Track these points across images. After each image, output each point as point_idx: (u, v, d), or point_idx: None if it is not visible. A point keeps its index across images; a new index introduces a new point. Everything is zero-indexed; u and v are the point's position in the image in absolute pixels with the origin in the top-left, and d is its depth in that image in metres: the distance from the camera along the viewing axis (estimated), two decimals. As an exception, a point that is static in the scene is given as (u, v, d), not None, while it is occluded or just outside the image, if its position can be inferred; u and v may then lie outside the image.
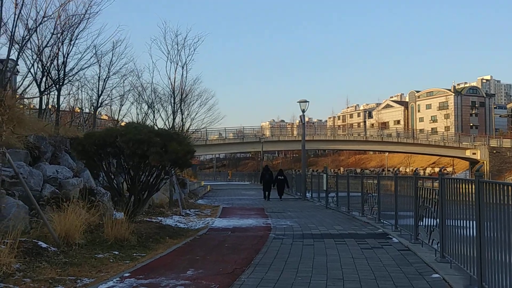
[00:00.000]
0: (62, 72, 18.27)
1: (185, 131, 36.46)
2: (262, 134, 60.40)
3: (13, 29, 14.93)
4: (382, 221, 12.64)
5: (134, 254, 8.38)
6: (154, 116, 22.81)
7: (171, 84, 15.24)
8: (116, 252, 8.36)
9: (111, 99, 24.27)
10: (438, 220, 7.60)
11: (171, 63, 15.41)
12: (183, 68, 15.59)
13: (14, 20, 14.60)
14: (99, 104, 22.76)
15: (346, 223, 13.29)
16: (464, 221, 6.43)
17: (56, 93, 19.07)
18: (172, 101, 16.17)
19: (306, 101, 24.45)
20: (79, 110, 25.42)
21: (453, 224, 6.92)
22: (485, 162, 62.68)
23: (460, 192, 6.74)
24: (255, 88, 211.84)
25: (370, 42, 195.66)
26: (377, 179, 13.28)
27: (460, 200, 6.69)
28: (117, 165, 10.67)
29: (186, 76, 15.70)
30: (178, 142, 9.94)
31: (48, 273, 6.38)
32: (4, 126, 6.83)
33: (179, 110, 17.95)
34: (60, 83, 18.10)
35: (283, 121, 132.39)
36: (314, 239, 10.18)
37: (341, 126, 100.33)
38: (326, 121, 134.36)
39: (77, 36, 18.60)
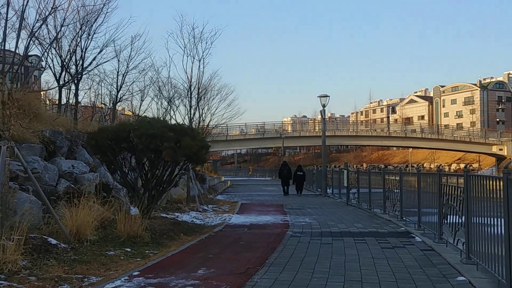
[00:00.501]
0: (80, 66, 18.27)
1: (204, 126, 36.56)
2: (283, 130, 60.02)
3: (34, 24, 14.96)
4: (404, 219, 12.20)
5: (147, 251, 8.17)
6: (173, 111, 22.67)
7: (188, 78, 15.00)
8: (128, 249, 8.17)
9: (132, 93, 24.24)
10: (463, 218, 7.18)
11: (187, 57, 15.17)
12: (200, 62, 15.30)
13: (35, 16, 14.64)
14: (118, 99, 22.77)
15: (367, 221, 12.88)
16: (492, 220, 6.02)
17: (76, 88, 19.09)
18: (189, 95, 15.89)
19: (326, 96, 23.97)
20: (101, 106, 25.47)
21: (480, 222, 6.50)
22: (511, 158, 61.15)
23: (487, 189, 6.31)
24: (277, 83, 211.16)
25: (393, 36, 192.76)
26: (399, 175, 12.82)
27: (487, 198, 6.26)
28: (132, 160, 10.48)
29: (203, 71, 15.43)
30: (192, 137, 9.69)
31: (55, 271, 6.20)
32: (12, 120, 6.65)
33: (197, 105, 17.51)
34: (78, 78, 18.10)
35: (305, 116, 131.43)
36: (333, 237, 9.83)
37: (363, 121, 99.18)
38: (348, 116, 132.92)
39: (95, 30, 18.60)
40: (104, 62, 20.50)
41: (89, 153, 13.30)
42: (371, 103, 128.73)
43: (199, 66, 15.23)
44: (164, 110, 24.34)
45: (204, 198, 20.51)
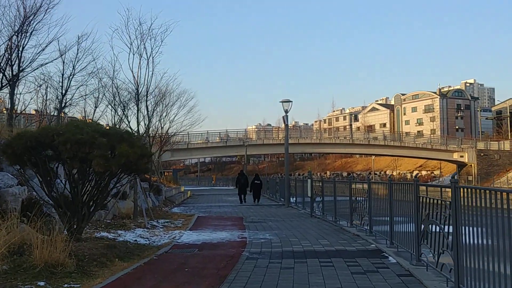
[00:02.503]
0: (17, 67, 16.42)
1: (163, 133, 34.76)
2: (247, 138, 58.66)
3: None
4: (374, 233, 11.01)
5: (65, 286, 6.58)
6: (127, 119, 20.75)
7: (135, 79, 13.41)
8: (42, 283, 6.56)
9: (84, 97, 22.35)
10: (450, 239, 5.97)
11: (133, 55, 13.55)
12: (148, 60, 13.74)
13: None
14: (64, 104, 20.89)
15: (333, 236, 11.62)
16: (490, 240, 4.83)
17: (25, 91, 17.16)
18: (137, 98, 14.28)
19: (289, 101, 22.79)
20: (50, 112, 23.40)
21: (474, 243, 5.29)
22: (473, 165, 61.78)
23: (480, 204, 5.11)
24: (240, 92, 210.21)
25: (355, 46, 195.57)
26: (368, 185, 11.60)
27: (481, 215, 5.06)
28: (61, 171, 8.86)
29: (152, 70, 13.84)
30: (130, 144, 8.18)
31: None
32: None
33: (146, 110, 15.89)
34: (14, 80, 16.23)
35: (269, 124, 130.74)
36: (295, 259, 8.47)
37: (327, 129, 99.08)
38: (312, 125, 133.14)
39: (34, 27, 16.80)
40: (46, 63, 18.70)
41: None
42: (334, 111, 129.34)
43: (148, 65, 13.64)
44: (118, 117, 22.53)
45: (158, 211, 18.87)
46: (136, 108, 14.88)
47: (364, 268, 7.54)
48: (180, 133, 42.82)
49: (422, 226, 7.23)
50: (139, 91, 13.84)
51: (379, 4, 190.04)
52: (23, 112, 24.72)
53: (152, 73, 13.97)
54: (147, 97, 15.25)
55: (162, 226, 13.77)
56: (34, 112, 28.27)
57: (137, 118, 14.14)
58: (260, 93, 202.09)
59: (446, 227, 6.18)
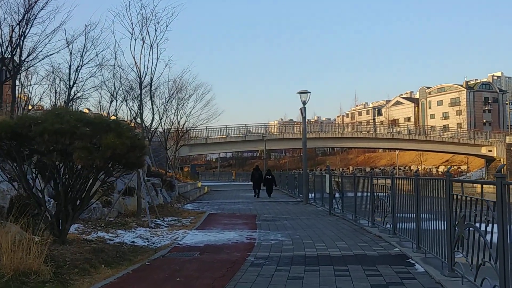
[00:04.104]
0: (18, 57, 15.64)
1: (179, 128, 33.93)
2: (267, 132, 57.52)
3: None
4: (398, 234, 9.82)
5: (33, 299, 5.63)
6: (141, 112, 19.56)
7: (136, 65, 12.44)
8: (7, 296, 5.62)
9: (98, 90, 21.55)
10: (494, 249, 4.79)
11: (135, 40, 12.58)
12: (151, 46, 12.77)
13: None
14: (72, 97, 20.14)
15: (352, 237, 10.46)
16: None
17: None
18: (140, 88, 13.31)
19: (307, 92, 21.58)
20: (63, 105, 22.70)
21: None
22: (502, 159, 59.38)
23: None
24: (261, 87, 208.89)
25: (378, 39, 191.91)
26: (391, 181, 10.39)
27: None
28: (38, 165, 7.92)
29: (157, 58, 12.85)
30: (117, 134, 7.18)
31: None
32: None
33: (150, 99, 14.90)
34: (15, 70, 15.46)
35: (291, 120, 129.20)
36: (306, 265, 7.37)
37: (349, 123, 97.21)
38: (334, 119, 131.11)
39: (35, 15, 15.99)
40: (52, 54, 17.95)
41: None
42: (357, 105, 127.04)
43: (152, 52, 12.67)
44: (133, 111, 21.46)
45: (169, 208, 17.96)
46: (144, 100, 13.90)
47: (386, 279, 6.39)
48: (198, 128, 42.03)
49: (456, 230, 6.05)
50: (142, 80, 12.91)
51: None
52: (37, 105, 24.16)
53: (157, 61, 13.01)
54: (151, 86, 14.28)
55: (167, 225, 12.81)
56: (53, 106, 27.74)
57: (140, 108, 13.20)
58: (281, 88, 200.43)
59: (489, 233, 5.01)
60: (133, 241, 9.87)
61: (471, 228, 5.56)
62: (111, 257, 7.70)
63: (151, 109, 15.24)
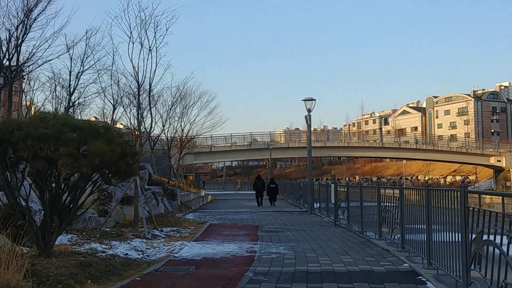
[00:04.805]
0: (15, 62, 15.29)
1: (183, 136, 33.50)
2: (273, 141, 56.98)
3: None
4: (407, 248, 9.27)
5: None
6: (143, 121, 19.05)
7: (135, 71, 11.98)
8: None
9: (101, 97, 21.16)
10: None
11: (133, 44, 12.12)
12: (151, 51, 12.31)
13: None
14: (72, 103, 19.80)
15: (358, 251, 9.91)
16: None
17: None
18: (138, 93, 12.87)
19: (312, 99, 21.10)
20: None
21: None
22: (510, 170, 58.55)
23: None
24: (267, 96, 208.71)
25: (384, 48, 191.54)
26: (400, 192, 9.85)
27: None
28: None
29: (156, 62, 12.39)
30: (106, 140, 6.71)
31: None
32: None
33: (149, 106, 14.46)
34: (12, 76, 15.10)
35: (297, 129, 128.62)
36: (308, 283, 6.83)
37: (356, 132, 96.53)
38: (341, 128, 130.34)
39: (34, 19, 15.66)
40: (51, 59, 17.61)
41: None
42: (364, 115, 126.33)
43: (151, 56, 12.22)
44: (136, 119, 20.96)
45: (169, 218, 17.48)
46: (136, 104, 13.37)
47: (395, 299, 5.85)
48: (202, 136, 41.60)
49: (473, 247, 5.50)
50: (140, 85, 12.45)
51: (408, 6, 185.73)
52: (39, 112, 23.82)
53: (156, 66, 12.58)
54: (150, 92, 13.82)
55: (165, 235, 12.30)
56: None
57: (138, 114, 12.73)
58: (287, 97, 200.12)
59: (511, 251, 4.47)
60: (127, 254, 9.37)
61: (490, 245, 5.01)
62: (99, 272, 7.19)
63: (150, 115, 14.69)
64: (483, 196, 7.34)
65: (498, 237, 4.99)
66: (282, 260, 8.82)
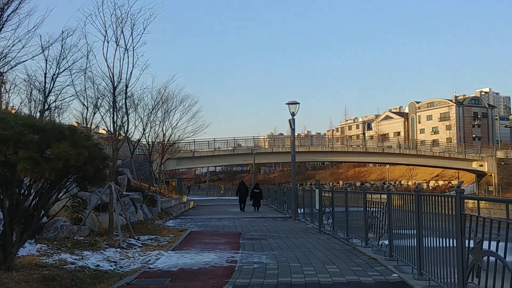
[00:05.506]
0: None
1: (165, 140, 32.79)
2: (256, 146, 56.43)
3: None
4: (395, 257, 8.82)
5: None
6: (125, 125, 17.96)
7: (109, 70, 11.35)
8: None
9: (81, 100, 20.33)
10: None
11: (108, 42, 11.46)
12: (127, 50, 11.69)
13: None
14: (47, 107, 19.02)
15: (344, 259, 9.43)
16: None
17: None
18: (113, 94, 12.24)
19: (296, 103, 20.67)
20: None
21: None
22: (493, 174, 58.90)
23: None
24: (251, 102, 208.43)
25: (368, 54, 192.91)
26: (387, 197, 9.41)
27: None
28: None
29: (133, 63, 11.75)
30: (72, 143, 6.12)
31: None
32: None
33: (125, 108, 13.79)
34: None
35: (281, 134, 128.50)
36: (292, 296, 6.32)
37: (339, 138, 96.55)
38: (325, 134, 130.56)
39: (6, 19, 14.94)
40: (24, 61, 16.85)
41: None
42: (347, 120, 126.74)
43: (127, 55, 11.60)
44: (112, 122, 20.22)
45: (148, 225, 16.84)
46: (113, 108, 12.68)
47: (386, 315, 5.37)
48: (185, 140, 40.87)
49: (471, 258, 5.06)
50: (115, 86, 11.83)
51: (392, 13, 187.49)
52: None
53: (133, 66, 11.98)
54: (126, 93, 13.20)
55: (141, 244, 11.67)
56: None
57: (113, 117, 12.08)
58: (271, 103, 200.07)
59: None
60: (98, 265, 8.75)
61: (491, 257, 4.56)
62: (64, 287, 6.58)
63: (127, 118, 14.02)
64: (470, 201, 6.94)
65: (494, 244, 4.57)
66: (264, 270, 8.30)
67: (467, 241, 5.21)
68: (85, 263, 8.79)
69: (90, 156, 6.37)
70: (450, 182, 72.39)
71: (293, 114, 20.58)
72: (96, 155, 6.53)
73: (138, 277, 7.79)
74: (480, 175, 60.57)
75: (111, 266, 8.86)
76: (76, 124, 26.10)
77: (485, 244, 4.73)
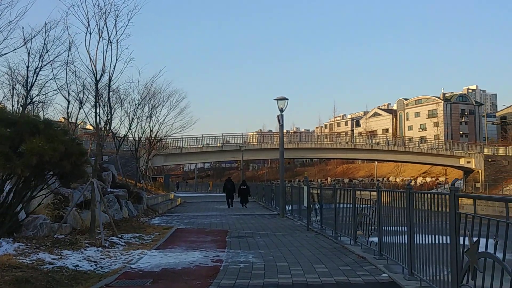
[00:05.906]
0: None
1: (152, 136, 32.34)
2: (245, 143, 56.14)
3: None
4: (385, 256, 8.59)
5: None
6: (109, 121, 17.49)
7: (92, 63, 10.94)
8: None
9: (65, 94, 19.86)
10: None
11: (90, 34, 11.05)
12: (110, 42, 11.29)
13: None
14: (30, 100, 18.56)
15: (333, 258, 9.19)
16: None
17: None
18: (96, 89, 11.82)
19: (284, 99, 20.39)
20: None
21: None
22: (480, 171, 59.28)
23: None
24: (240, 98, 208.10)
25: (356, 51, 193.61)
26: (377, 195, 9.15)
27: None
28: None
29: (117, 55, 11.35)
30: (47, 137, 5.77)
31: None
32: None
33: (108, 100, 13.39)
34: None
35: (270, 131, 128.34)
36: (278, 299, 6.05)
37: (328, 134, 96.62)
38: (313, 131, 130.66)
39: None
40: (5, 54, 16.40)
41: None
42: (336, 117, 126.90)
43: (111, 47, 11.20)
44: (95, 117, 19.84)
45: (133, 223, 16.44)
46: (101, 102, 12.29)
47: (377, 319, 5.11)
48: (172, 137, 40.47)
49: (466, 259, 4.81)
50: (98, 79, 11.41)
51: (381, 11, 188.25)
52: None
53: (117, 59, 11.59)
54: (109, 86, 12.80)
55: (124, 243, 11.32)
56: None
57: (95, 111, 11.63)
58: (260, 100, 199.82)
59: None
60: (77, 265, 8.38)
61: (488, 259, 4.32)
62: (38, 289, 6.24)
63: (110, 112, 13.63)
64: (465, 200, 6.72)
65: (490, 245, 4.33)
66: (250, 270, 8.01)
67: (461, 241, 4.97)
68: (63, 263, 8.43)
69: (67, 152, 6.03)
70: (438, 179, 72.80)
71: (281, 110, 20.30)
72: (74, 150, 6.20)
73: (118, 278, 7.46)
74: (467, 171, 60.93)
75: (91, 266, 8.51)
76: (62, 120, 25.62)
77: (481, 243, 4.52)
